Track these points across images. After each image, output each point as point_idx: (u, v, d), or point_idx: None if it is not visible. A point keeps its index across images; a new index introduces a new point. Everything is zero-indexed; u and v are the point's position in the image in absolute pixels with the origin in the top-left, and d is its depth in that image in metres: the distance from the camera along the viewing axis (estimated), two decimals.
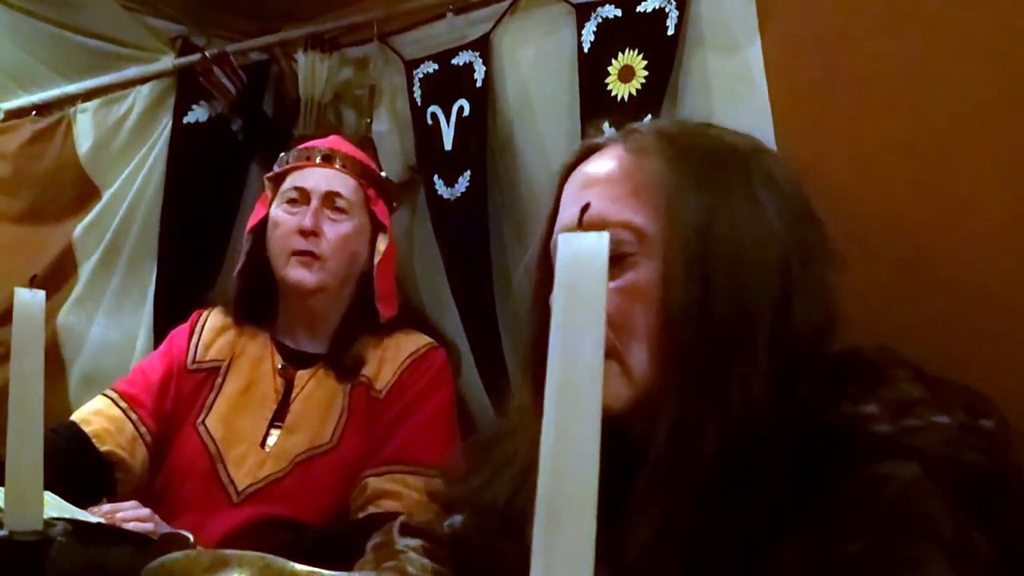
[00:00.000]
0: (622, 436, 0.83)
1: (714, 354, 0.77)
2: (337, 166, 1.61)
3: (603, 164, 0.89)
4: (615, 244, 0.82)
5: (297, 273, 1.55)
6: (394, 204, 1.76)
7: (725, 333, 0.77)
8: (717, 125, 0.95)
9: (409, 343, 1.60)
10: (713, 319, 0.77)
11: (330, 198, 1.58)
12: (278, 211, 1.60)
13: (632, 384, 0.82)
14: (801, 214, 0.84)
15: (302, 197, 1.58)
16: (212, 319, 1.67)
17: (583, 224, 0.84)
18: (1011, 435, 0.74)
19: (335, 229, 1.57)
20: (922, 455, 0.70)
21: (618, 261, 0.83)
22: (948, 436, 0.72)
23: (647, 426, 0.80)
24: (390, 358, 1.58)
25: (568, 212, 0.91)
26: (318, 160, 1.61)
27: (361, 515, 1.44)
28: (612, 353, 0.81)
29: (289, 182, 1.61)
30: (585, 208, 0.87)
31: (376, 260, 1.62)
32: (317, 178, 1.59)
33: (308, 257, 1.55)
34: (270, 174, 1.67)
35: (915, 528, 0.68)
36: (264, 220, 1.63)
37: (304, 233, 1.55)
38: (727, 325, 0.77)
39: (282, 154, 1.68)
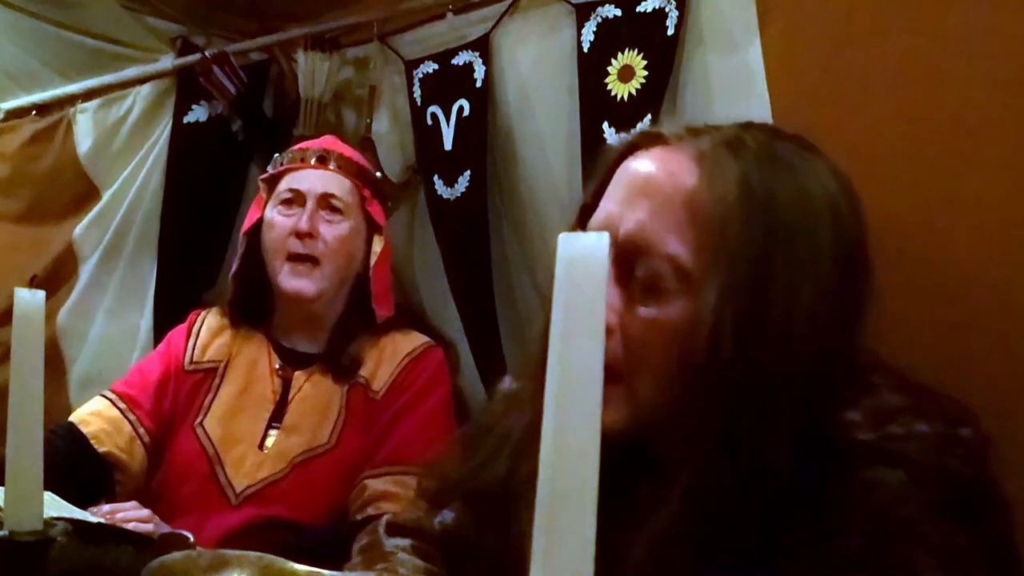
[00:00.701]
0: (616, 442, 0.82)
1: (741, 408, 0.73)
2: (332, 167, 1.60)
3: (663, 172, 0.80)
4: (652, 273, 0.78)
5: (294, 283, 1.54)
6: (390, 204, 1.76)
7: (758, 391, 0.73)
8: (795, 147, 0.82)
9: (406, 343, 1.60)
10: (749, 380, 0.73)
11: (325, 199, 1.57)
12: (273, 213, 1.59)
13: (633, 409, 0.79)
14: (860, 269, 0.79)
15: (297, 199, 1.58)
16: (209, 320, 1.67)
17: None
18: (989, 445, 0.74)
19: (331, 230, 1.56)
20: (907, 462, 0.71)
21: (651, 289, 0.78)
22: (930, 445, 0.72)
23: (646, 438, 0.80)
24: (387, 358, 1.57)
25: (609, 207, 0.83)
26: (312, 161, 1.60)
27: (360, 517, 1.43)
28: (619, 376, 0.78)
29: (284, 184, 1.60)
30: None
31: (372, 260, 1.61)
32: (312, 179, 1.58)
33: (305, 264, 1.54)
34: (264, 175, 1.66)
35: (905, 534, 0.68)
36: (259, 222, 1.62)
37: (300, 235, 1.54)
38: (762, 386, 0.73)
39: (276, 155, 1.67)
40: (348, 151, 1.67)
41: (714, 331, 0.73)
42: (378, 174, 1.71)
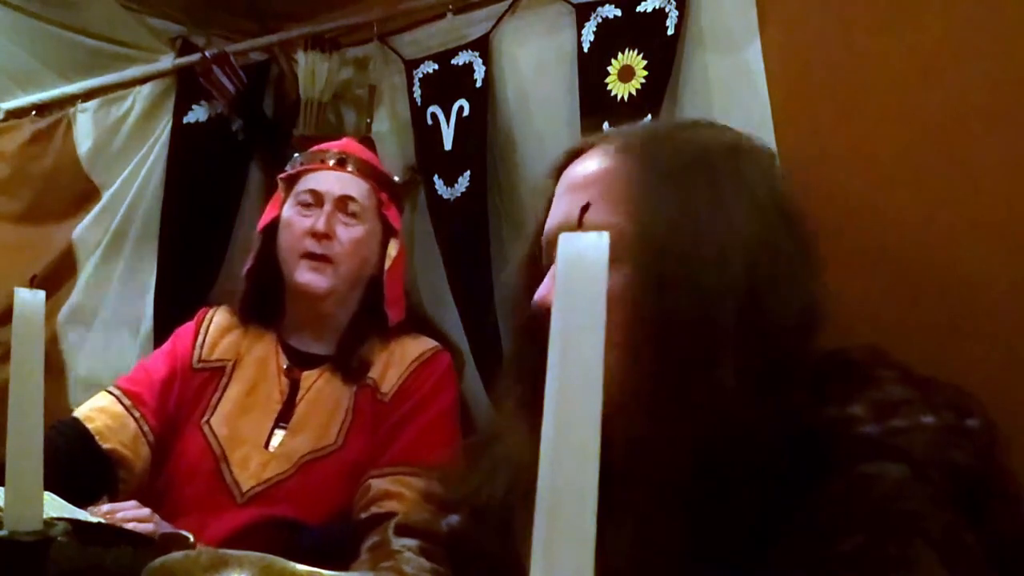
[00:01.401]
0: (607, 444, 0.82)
1: (680, 357, 0.76)
2: (350, 170, 1.61)
3: (583, 167, 0.91)
4: None
5: (308, 277, 1.55)
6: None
7: (689, 334, 0.76)
8: (700, 123, 0.96)
9: (415, 347, 1.60)
10: (676, 321, 0.76)
11: (343, 202, 1.58)
12: (290, 212, 1.60)
13: (610, 388, 0.80)
14: (772, 212, 0.83)
15: (315, 200, 1.58)
16: (218, 317, 1.67)
17: (583, 224, 0.84)
18: (997, 434, 0.74)
19: (348, 233, 1.57)
20: (909, 455, 0.71)
21: None
22: (934, 436, 0.72)
23: (623, 435, 0.80)
24: (396, 361, 1.58)
25: (553, 214, 0.92)
26: (331, 163, 1.61)
27: (363, 516, 1.43)
28: None
29: (302, 184, 1.61)
30: (585, 208, 0.87)
31: (387, 265, 1.62)
32: (331, 182, 1.59)
33: (320, 261, 1.55)
34: (283, 174, 1.67)
35: (905, 527, 0.68)
36: (276, 220, 1.63)
37: (316, 236, 1.55)
38: (690, 326, 0.76)
39: (296, 154, 1.68)
40: (367, 154, 1.68)
41: (636, 280, 0.79)
42: (396, 178, 1.71)
